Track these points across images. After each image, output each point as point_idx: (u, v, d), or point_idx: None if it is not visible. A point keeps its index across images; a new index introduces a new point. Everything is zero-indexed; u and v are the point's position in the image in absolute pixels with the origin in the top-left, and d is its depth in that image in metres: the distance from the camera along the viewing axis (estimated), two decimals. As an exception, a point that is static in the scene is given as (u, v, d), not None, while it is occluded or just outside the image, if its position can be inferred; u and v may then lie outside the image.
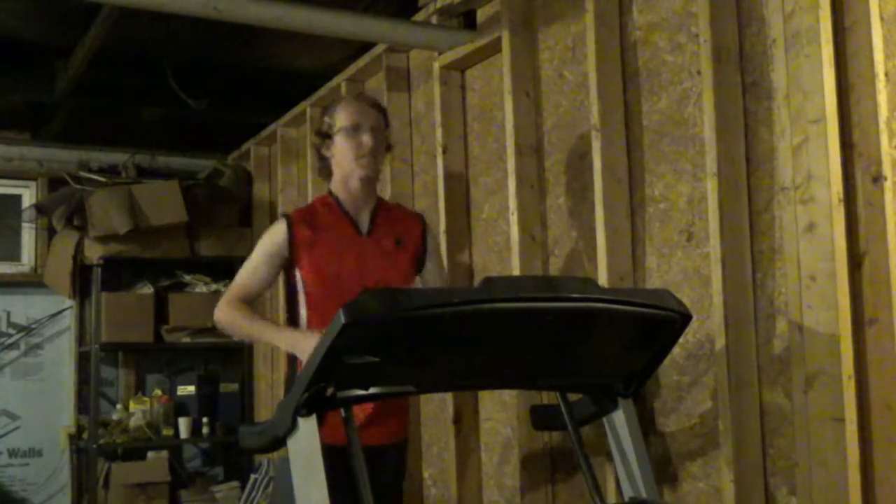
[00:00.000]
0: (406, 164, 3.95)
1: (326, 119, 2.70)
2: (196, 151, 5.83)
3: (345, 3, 3.53)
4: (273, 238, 2.65)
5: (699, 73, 2.55)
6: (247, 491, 5.12)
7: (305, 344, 2.41)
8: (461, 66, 3.65)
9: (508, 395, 3.27)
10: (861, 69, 2.17)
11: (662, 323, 2.08)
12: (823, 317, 2.14)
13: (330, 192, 2.72)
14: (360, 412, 2.50)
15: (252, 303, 2.68)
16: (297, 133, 5.11)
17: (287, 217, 2.67)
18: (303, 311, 2.63)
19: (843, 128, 2.18)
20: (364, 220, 2.69)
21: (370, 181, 2.68)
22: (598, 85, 2.82)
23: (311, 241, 2.62)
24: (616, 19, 2.87)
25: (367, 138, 2.62)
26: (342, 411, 2.00)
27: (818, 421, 2.14)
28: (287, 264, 2.66)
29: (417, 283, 2.79)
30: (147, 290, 5.42)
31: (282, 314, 4.69)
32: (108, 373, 5.55)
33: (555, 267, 3.15)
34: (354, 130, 2.62)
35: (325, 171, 2.74)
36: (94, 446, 5.10)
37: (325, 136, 2.68)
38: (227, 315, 2.62)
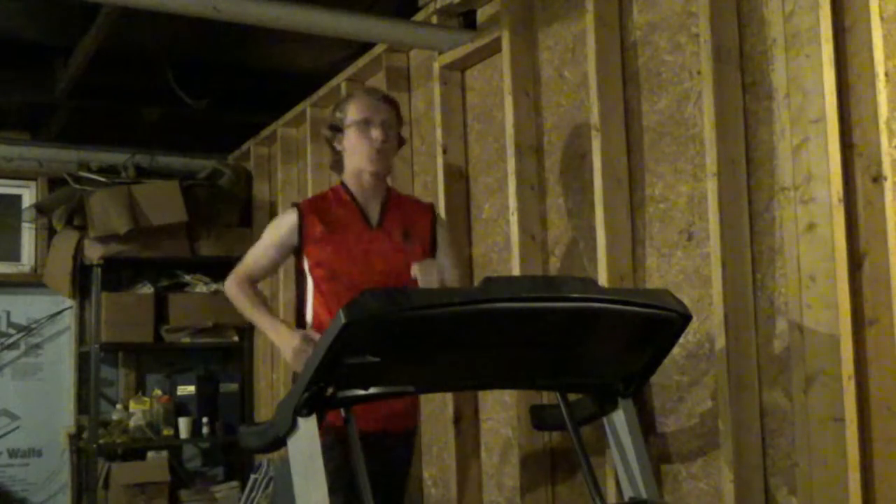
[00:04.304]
0: (406, 164, 3.95)
1: (338, 113, 2.71)
2: (196, 151, 5.83)
3: (345, 3, 3.53)
4: (282, 227, 2.69)
5: (699, 73, 2.55)
6: (247, 491, 5.12)
7: (285, 341, 2.47)
8: (461, 66, 3.65)
9: (508, 395, 3.27)
10: (861, 69, 2.17)
11: (662, 323, 2.07)
12: (823, 317, 2.14)
13: (342, 183, 2.74)
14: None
15: (258, 282, 2.75)
16: (297, 133, 5.11)
17: (298, 207, 2.69)
18: (310, 301, 2.65)
19: (843, 128, 2.18)
20: (374, 212, 2.70)
21: (381, 176, 2.70)
22: (598, 85, 2.82)
23: (320, 232, 2.63)
24: (616, 19, 2.87)
25: (377, 133, 2.62)
26: (342, 411, 2.00)
27: (818, 421, 2.14)
28: (296, 253, 2.69)
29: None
30: (147, 290, 5.42)
31: (281, 304, 4.72)
32: (108, 373, 5.55)
33: (555, 267, 3.15)
34: (365, 125, 2.63)
35: (337, 164, 2.76)
36: (94, 446, 5.10)
37: (337, 129, 2.70)
38: (234, 291, 2.69)
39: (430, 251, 2.73)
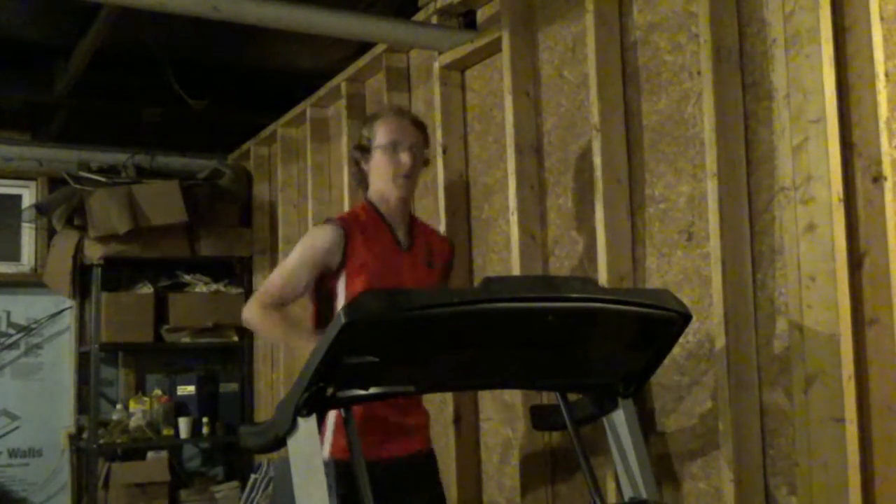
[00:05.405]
0: (406, 164, 3.95)
1: (365, 132, 2.67)
2: (196, 151, 5.83)
3: (345, 3, 3.53)
4: (325, 243, 2.55)
5: (699, 73, 2.55)
6: (247, 491, 5.12)
7: None
8: (461, 66, 3.65)
9: (508, 395, 3.27)
10: (861, 69, 2.17)
11: (662, 323, 2.07)
12: (823, 317, 2.14)
13: (369, 202, 2.68)
14: (378, 429, 2.49)
15: (286, 306, 2.58)
16: (297, 133, 5.11)
17: (343, 224, 2.58)
18: None
19: (843, 128, 2.18)
20: (402, 234, 2.67)
21: (406, 200, 2.69)
22: (598, 85, 2.82)
23: (363, 252, 2.56)
24: (616, 19, 2.87)
25: (405, 157, 2.60)
26: (342, 411, 2.00)
27: (818, 421, 2.14)
28: (329, 272, 2.57)
29: None
30: (147, 290, 5.42)
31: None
32: (108, 373, 5.55)
33: (555, 267, 3.15)
34: (393, 148, 2.61)
35: (362, 183, 2.72)
36: (94, 446, 5.10)
37: (364, 149, 2.67)
38: (259, 320, 2.53)
39: (444, 283, 2.80)
